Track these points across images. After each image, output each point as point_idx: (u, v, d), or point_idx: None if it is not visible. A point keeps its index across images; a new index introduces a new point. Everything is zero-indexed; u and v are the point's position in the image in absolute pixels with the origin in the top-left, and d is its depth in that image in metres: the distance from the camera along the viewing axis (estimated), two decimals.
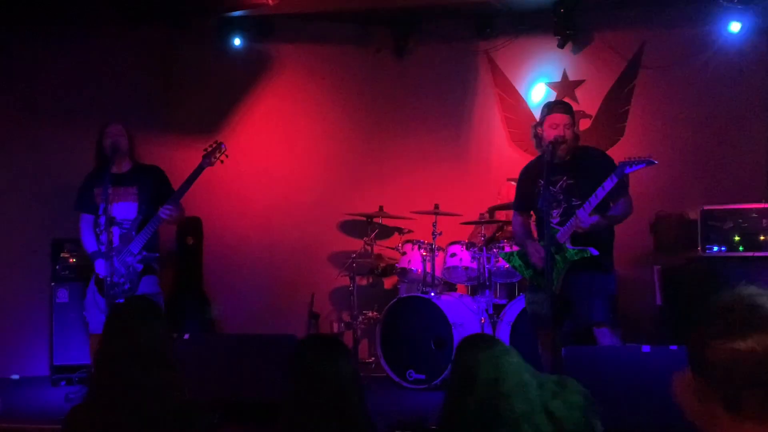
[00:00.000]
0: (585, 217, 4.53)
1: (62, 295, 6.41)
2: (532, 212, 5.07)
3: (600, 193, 4.50)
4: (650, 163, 4.48)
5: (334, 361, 2.28)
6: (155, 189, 5.37)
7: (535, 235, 5.08)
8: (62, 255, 6.45)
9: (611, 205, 4.68)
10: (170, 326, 2.63)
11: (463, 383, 2.21)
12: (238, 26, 7.17)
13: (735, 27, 6.62)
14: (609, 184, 4.47)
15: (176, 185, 5.38)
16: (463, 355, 2.31)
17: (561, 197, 4.72)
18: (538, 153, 4.95)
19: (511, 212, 5.66)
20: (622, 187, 4.59)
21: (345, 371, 2.27)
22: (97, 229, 5.31)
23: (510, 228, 6.36)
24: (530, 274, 4.91)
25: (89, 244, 5.37)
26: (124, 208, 5.29)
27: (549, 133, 4.69)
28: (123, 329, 2.47)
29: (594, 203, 4.53)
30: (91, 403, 2.45)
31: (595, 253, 4.58)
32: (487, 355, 2.22)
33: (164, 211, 5.23)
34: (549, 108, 4.79)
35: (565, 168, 4.73)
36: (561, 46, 6.99)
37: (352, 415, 2.25)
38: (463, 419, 2.16)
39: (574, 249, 4.63)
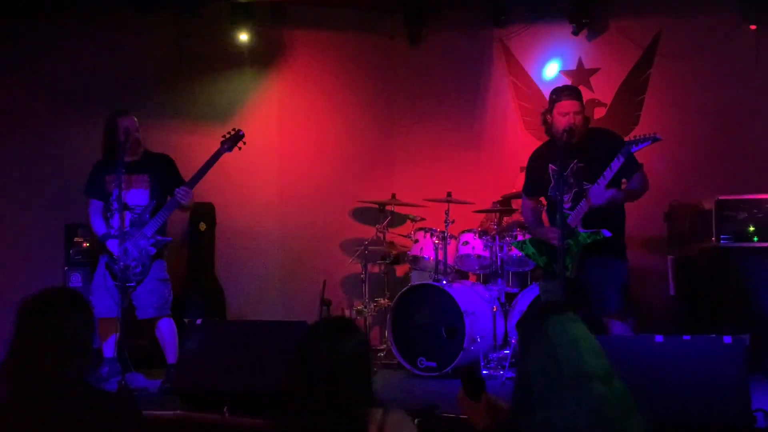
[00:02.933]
0: (600, 191, 4.46)
1: (75, 280, 6.43)
2: (542, 198, 5.03)
3: (608, 173, 4.46)
4: (655, 139, 4.43)
5: (344, 338, 2.29)
6: (166, 177, 5.44)
7: (546, 222, 5.05)
8: (76, 240, 6.45)
9: (625, 182, 4.64)
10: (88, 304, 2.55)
11: (531, 343, 2.23)
12: (250, 12, 7.12)
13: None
14: (616, 164, 4.43)
15: (189, 171, 5.42)
16: (534, 318, 2.32)
17: (572, 180, 4.69)
18: None
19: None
20: (633, 163, 4.54)
21: (356, 348, 2.29)
22: (107, 213, 5.36)
23: (516, 217, 6.36)
24: (544, 261, 4.88)
25: (98, 227, 5.40)
26: (137, 195, 5.35)
27: (559, 121, 4.66)
28: (42, 321, 2.38)
29: (602, 185, 4.50)
30: (10, 399, 2.35)
31: (608, 234, 4.52)
32: (557, 318, 2.22)
33: (180, 194, 5.27)
34: (558, 94, 4.76)
35: (576, 151, 4.69)
36: (576, 33, 6.95)
37: (359, 389, 2.26)
38: (528, 376, 2.16)
39: (586, 232, 4.59)
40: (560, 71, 7.19)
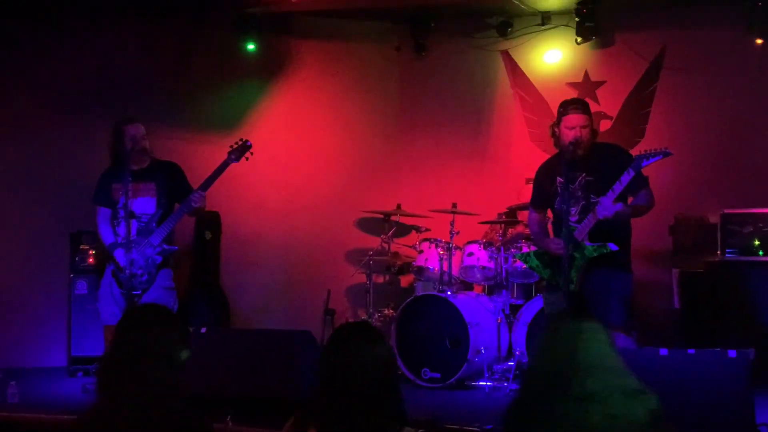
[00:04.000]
0: (609, 203, 4.44)
1: (81, 287, 6.46)
2: (549, 211, 5.03)
3: (617, 187, 4.45)
4: (666, 154, 4.43)
5: (371, 345, 2.27)
6: (173, 185, 5.42)
7: (552, 235, 5.05)
8: (81, 247, 6.49)
9: (631, 198, 4.65)
10: (185, 323, 2.65)
11: (543, 348, 2.17)
12: (256, 22, 7.13)
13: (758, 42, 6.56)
14: (626, 177, 4.41)
15: (195, 180, 5.41)
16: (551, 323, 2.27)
17: (579, 194, 4.68)
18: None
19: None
20: (640, 179, 4.53)
21: (381, 355, 2.27)
22: (114, 221, 5.36)
23: (520, 228, 6.35)
24: (548, 274, 4.86)
25: (107, 235, 5.39)
26: (144, 203, 5.33)
27: (566, 134, 4.66)
28: (135, 332, 2.51)
29: (611, 198, 4.48)
30: (99, 406, 2.46)
31: (615, 248, 4.52)
32: (573, 327, 2.17)
33: (195, 198, 5.26)
34: (565, 108, 4.75)
35: (583, 164, 4.68)
36: (580, 43, 6.95)
37: (387, 401, 2.24)
38: (533, 384, 2.11)
39: (592, 245, 4.58)
40: (566, 83, 7.18)
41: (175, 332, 2.55)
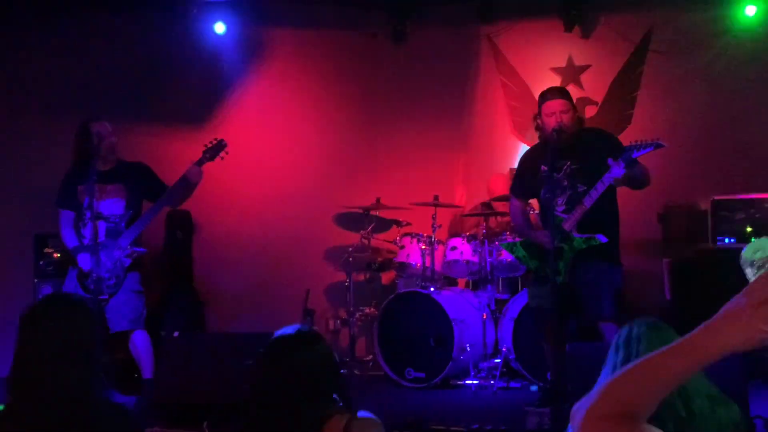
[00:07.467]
0: (618, 170, 4.33)
1: (46, 292, 6.29)
2: (533, 200, 5.04)
3: (607, 179, 4.42)
4: (658, 146, 4.41)
5: (302, 349, 2.26)
6: (143, 185, 5.38)
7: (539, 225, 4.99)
8: (46, 250, 6.35)
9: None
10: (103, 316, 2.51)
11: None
12: (227, 10, 7.01)
13: (750, 11, 6.43)
14: (618, 170, 4.35)
15: (165, 177, 5.40)
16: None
17: (566, 183, 4.67)
18: None
19: (505, 203, 5.62)
20: (632, 163, 4.47)
21: (314, 357, 2.27)
22: (80, 223, 5.28)
23: (501, 219, 6.33)
24: (535, 265, 4.84)
25: (69, 239, 5.31)
26: (112, 205, 5.28)
27: (547, 122, 4.69)
28: (44, 326, 2.30)
29: (600, 190, 4.46)
30: (11, 408, 2.29)
31: (604, 240, 4.51)
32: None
33: (193, 173, 5.28)
34: (543, 97, 4.83)
35: (570, 152, 4.66)
36: (568, 29, 6.84)
37: (323, 400, 2.25)
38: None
39: (581, 237, 4.56)
40: (550, 69, 7.07)
41: (89, 325, 2.35)
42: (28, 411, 2.23)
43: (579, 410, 1.33)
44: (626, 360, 2.29)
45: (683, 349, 1.27)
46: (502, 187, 6.27)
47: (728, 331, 1.24)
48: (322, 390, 2.25)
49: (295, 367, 2.23)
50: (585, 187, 4.54)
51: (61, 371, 2.23)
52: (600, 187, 4.43)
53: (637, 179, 4.55)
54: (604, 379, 2.23)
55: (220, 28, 7.00)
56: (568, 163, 4.65)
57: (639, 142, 4.41)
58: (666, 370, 1.27)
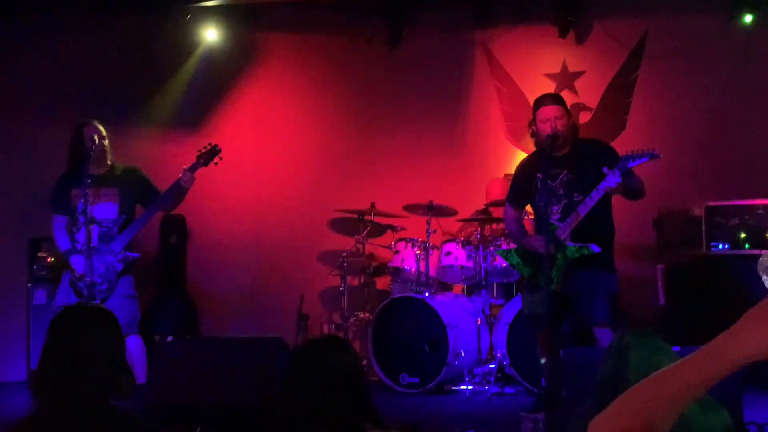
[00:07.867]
0: (614, 179, 4.35)
1: (40, 297, 6.29)
2: (529, 208, 5.02)
3: (602, 188, 4.41)
4: (654, 156, 4.42)
5: (334, 355, 2.27)
6: (136, 189, 5.36)
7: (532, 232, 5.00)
8: (40, 255, 6.34)
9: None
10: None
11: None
12: (221, 14, 6.99)
13: (748, 18, 6.46)
14: (613, 179, 4.35)
15: (160, 182, 5.38)
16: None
17: (561, 192, 4.66)
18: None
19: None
20: (628, 174, 4.47)
21: (346, 364, 2.27)
22: (73, 228, 5.25)
23: (496, 226, 6.33)
24: (529, 272, 4.84)
25: (62, 242, 5.29)
26: (105, 209, 5.25)
27: (542, 128, 4.68)
28: (69, 335, 2.39)
29: (595, 198, 4.46)
30: (35, 414, 2.34)
31: (597, 249, 4.50)
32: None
33: (185, 179, 5.24)
34: (537, 103, 4.83)
35: (565, 161, 4.66)
36: (562, 35, 6.83)
37: (356, 407, 2.24)
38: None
39: (574, 246, 4.55)
40: (544, 74, 7.05)
41: (111, 329, 2.45)
42: (55, 417, 2.27)
43: (596, 426, 1.31)
44: (615, 369, 2.29)
45: (704, 358, 1.23)
46: (500, 192, 6.26)
47: (754, 337, 1.22)
48: (352, 397, 2.24)
49: (326, 371, 2.22)
50: (581, 197, 4.54)
51: (88, 379, 2.29)
52: (595, 196, 4.43)
53: (631, 189, 4.55)
54: (596, 387, 2.24)
55: (214, 32, 6.97)
56: (564, 171, 4.65)
57: (635, 152, 4.42)
58: (685, 381, 1.24)
